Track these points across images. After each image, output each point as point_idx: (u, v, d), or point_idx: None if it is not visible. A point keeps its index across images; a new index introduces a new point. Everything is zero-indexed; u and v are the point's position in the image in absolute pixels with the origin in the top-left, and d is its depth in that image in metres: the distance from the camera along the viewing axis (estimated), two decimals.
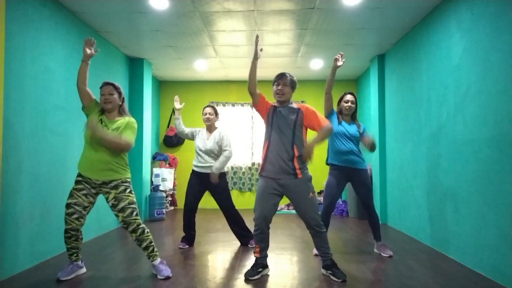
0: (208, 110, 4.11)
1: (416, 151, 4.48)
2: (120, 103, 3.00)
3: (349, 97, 3.75)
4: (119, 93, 2.99)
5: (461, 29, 3.48)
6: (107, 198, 2.92)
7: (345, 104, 3.74)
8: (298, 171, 2.91)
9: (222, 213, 4.16)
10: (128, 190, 2.93)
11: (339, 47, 5.39)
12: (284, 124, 2.97)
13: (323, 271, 3.09)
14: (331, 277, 2.96)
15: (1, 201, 2.94)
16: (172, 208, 7.14)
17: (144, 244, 2.97)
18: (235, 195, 6.98)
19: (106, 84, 2.98)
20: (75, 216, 2.86)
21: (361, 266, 3.32)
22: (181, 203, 7.28)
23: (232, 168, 7.40)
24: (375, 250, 3.80)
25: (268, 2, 3.97)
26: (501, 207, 2.86)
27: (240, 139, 7.44)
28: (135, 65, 5.92)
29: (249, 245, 4.11)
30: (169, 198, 6.99)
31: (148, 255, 3.02)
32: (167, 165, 7.01)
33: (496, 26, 2.96)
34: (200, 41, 5.13)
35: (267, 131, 3.04)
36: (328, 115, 3.77)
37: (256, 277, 2.98)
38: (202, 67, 6.42)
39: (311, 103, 7.22)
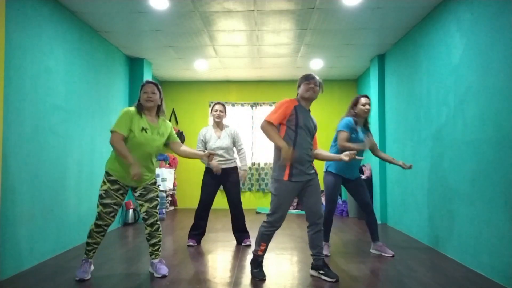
0: (220, 107, 4.15)
1: (416, 151, 4.48)
2: (160, 103, 3.06)
3: (365, 99, 3.68)
4: (160, 93, 3.06)
5: (461, 29, 3.48)
6: (135, 188, 3.00)
7: (363, 107, 3.66)
8: (316, 170, 3.03)
9: (229, 209, 4.22)
10: (156, 184, 3.10)
11: (339, 47, 5.40)
12: (310, 125, 2.96)
13: (312, 272, 3.06)
14: (323, 277, 2.95)
15: (1, 201, 2.94)
16: (172, 208, 7.14)
17: (154, 241, 3.03)
18: None
19: (149, 82, 3.04)
20: (112, 214, 2.93)
21: (361, 266, 3.32)
22: (181, 203, 7.29)
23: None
24: (373, 250, 3.79)
25: (268, 2, 3.97)
26: (501, 207, 2.86)
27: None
28: (135, 65, 5.92)
29: (242, 244, 4.16)
30: (169, 198, 6.98)
31: (153, 252, 3.06)
32: (167, 165, 7.01)
33: (496, 26, 2.96)
34: (200, 41, 5.14)
35: (291, 131, 2.87)
36: (342, 128, 3.58)
37: (265, 276, 2.99)
38: (202, 67, 6.42)
39: None
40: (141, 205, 2.99)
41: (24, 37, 3.30)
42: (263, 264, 3.08)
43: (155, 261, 3.07)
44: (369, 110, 3.68)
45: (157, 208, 3.04)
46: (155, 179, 3.09)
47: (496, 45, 2.96)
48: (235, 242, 4.29)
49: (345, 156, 2.92)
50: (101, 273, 3.11)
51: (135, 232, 4.97)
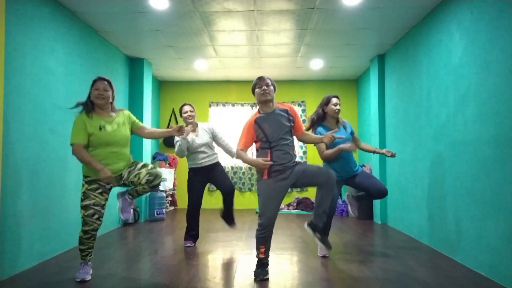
0: (189, 107, 4.07)
1: (416, 151, 4.48)
2: (111, 101, 3.00)
3: (337, 100, 3.59)
4: (112, 90, 3.01)
5: (461, 29, 3.48)
6: (121, 176, 2.96)
7: (334, 107, 3.56)
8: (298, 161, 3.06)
9: (222, 199, 4.18)
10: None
11: (339, 47, 5.40)
12: (280, 124, 2.94)
13: (308, 228, 3.02)
14: (317, 240, 3.00)
15: (1, 201, 2.94)
16: (172, 208, 7.14)
17: (157, 182, 2.98)
18: (235, 195, 6.96)
19: (102, 79, 2.96)
20: (96, 216, 2.86)
21: (361, 266, 3.32)
22: (181, 203, 7.29)
23: (232, 168, 7.40)
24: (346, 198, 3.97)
25: (268, 2, 3.97)
26: (501, 207, 2.86)
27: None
28: (135, 65, 5.92)
29: (231, 225, 4.27)
30: (169, 198, 6.98)
31: (138, 194, 3.05)
32: (167, 165, 7.01)
33: (496, 26, 2.96)
34: (200, 41, 5.14)
35: (264, 143, 2.93)
36: (313, 131, 3.55)
37: (267, 276, 2.98)
38: (202, 67, 6.42)
39: (311, 103, 7.24)
40: (138, 174, 2.91)
41: (24, 37, 3.30)
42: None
43: (128, 197, 3.07)
44: (339, 110, 3.59)
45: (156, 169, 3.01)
46: (133, 160, 3.06)
47: (496, 45, 2.96)
48: (235, 242, 4.30)
49: (325, 138, 3.03)
50: (101, 273, 3.11)
51: (135, 232, 4.97)
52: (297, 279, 3.01)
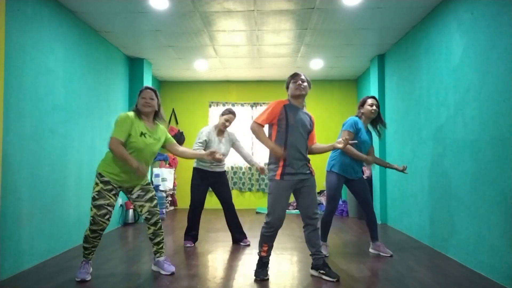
0: (231, 118, 4.13)
1: (416, 151, 4.48)
2: (157, 109, 3.06)
3: (372, 100, 3.67)
4: (158, 99, 3.06)
5: (461, 29, 3.48)
6: (131, 191, 3.02)
7: (370, 108, 3.64)
8: (312, 170, 3.01)
9: (222, 210, 4.23)
10: (151, 184, 3.15)
11: (339, 47, 5.40)
12: (303, 122, 2.96)
13: (313, 272, 3.05)
14: (324, 277, 2.94)
15: (1, 201, 2.94)
16: (172, 208, 7.14)
17: (158, 239, 3.08)
18: (235, 195, 6.97)
19: (148, 88, 3.05)
20: (107, 216, 2.88)
21: (361, 266, 3.32)
22: (181, 203, 7.29)
23: (232, 168, 7.39)
24: (372, 250, 3.79)
25: (268, 2, 3.97)
26: (501, 207, 2.86)
27: (240, 139, 7.43)
28: (135, 65, 5.92)
29: (241, 243, 4.18)
30: (169, 198, 6.98)
31: (157, 250, 3.11)
32: (167, 165, 7.01)
33: (496, 26, 2.96)
34: (200, 41, 5.14)
35: (282, 130, 2.90)
36: (347, 128, 3.56)
37: (267, 276, 2.98)
38: (202, 67, 6.42)
39: (311, 103, 7.23)
40: (142, 206, 3.01)
41: (24, 37, 3.30)
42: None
43: (161, 259, 3.11)
44: (376, 111, 3.66)
45: (158, 206, 3.09)
46: (148, 180, 3.16)
47: (496, 45, 2.96)
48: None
49: (338, 144, 2.97)
50: (101, 273, 3.11)
51: (135, 232, 4.97)
52: (297, 279, 3.01)
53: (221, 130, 4.18)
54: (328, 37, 5.01)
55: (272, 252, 3.60)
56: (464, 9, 3.43)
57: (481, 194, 3.12)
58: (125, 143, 2.87)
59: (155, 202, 3.06)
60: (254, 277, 2.96)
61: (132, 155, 2.87)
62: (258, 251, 3.02)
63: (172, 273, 3.04)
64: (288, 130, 2.89)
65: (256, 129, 2.89)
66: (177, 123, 7.55)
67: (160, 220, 3.08)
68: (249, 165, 4.32)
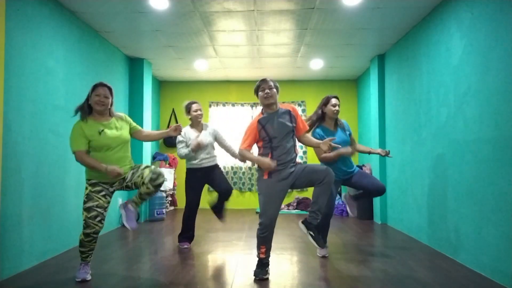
0: (198, 106, 4.09)
1: (416, 151, 4.48)
2: (110, 107, 3.00)
3: (336, 100, 3.57)
4: (112, 97, 3.00)
5: (461, 29, 3.48)
6: (125, 178, 2.97)
7: (332, 108, 3.53)
8: (296, 162, 3.05)
9: (219, 195, 4.10)
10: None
11: (339, 47, 5.40)
12: (283, 126, 2.96)
13: (302, 226, 3.00)
14: (310, 238, 2.95)
15: (1, 201, 2.94)
16: (172, 208, 7.14)
17: (148, 197, 3.03)
18: (235, 195, 6.98)
19: (103, 85, 2.95)
20: (98, 218, 2.83)
21: (361, 266, 3.32)
22: (181, 203, 7.29)
23: (232, 168, 7.39)
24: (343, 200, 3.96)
25: (268, 2, 3.97)
26: (501, 207, 2.86)
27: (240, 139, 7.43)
28: (135, 65, 5.92)
29: (222, 218, 4.18)
30: (169, 198, 6.98)
31: (138, 200, 3.01)
32: (167, 165, 7.01)
33: (496, 26, 2.97)
34: (200, 41, 5.14)
35: (266, 142, 2.96)
36: (312, 132, 3.52)
37: (267, 276, 2.98)
38: (202, 67, 6.42)
39: (311, 103, 7.24)
40: (141, 174, 2.93)
41: (24, 37, 3.30)
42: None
43: (132, 208, 3.01)
44: (338, 111, 3.55)
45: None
46: (134, 164, 3.10)
47: (496, 45, 2.96)
48: (235, 242, 4.30)
49: (324, 146, 2.99)
50: (101, 273, 3.11)
51: (135, 232, 4.97)
52: (297, 279, 3.01)
53: (197, 123, 4.10)
54: (328, 37, 5.01)
55: (272, 252, 3.60)
56: (464, 9, 3.43)
57: (481, 194, 3.12)
58: (92, 147, 2.85)
59: (153, 166, 3.01)
60: (254, 277, 2.96)
61: (106, 153, 2.86)
62: (257, 253, 3.03)
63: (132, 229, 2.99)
64: (271, 140, 2.94)
65: (242, 153, 3.02)
66: (177, 122, 7.54)
67: (163, 181, 3.02)
68: (233, 157, 4.23)
